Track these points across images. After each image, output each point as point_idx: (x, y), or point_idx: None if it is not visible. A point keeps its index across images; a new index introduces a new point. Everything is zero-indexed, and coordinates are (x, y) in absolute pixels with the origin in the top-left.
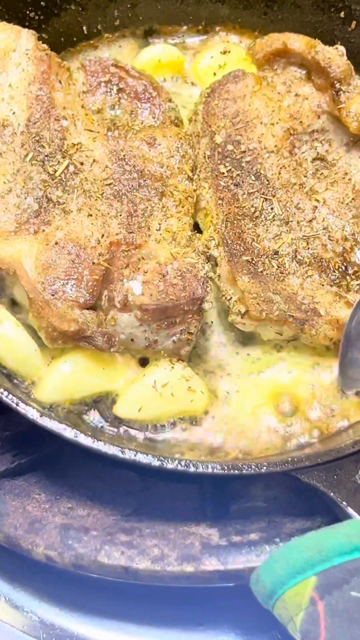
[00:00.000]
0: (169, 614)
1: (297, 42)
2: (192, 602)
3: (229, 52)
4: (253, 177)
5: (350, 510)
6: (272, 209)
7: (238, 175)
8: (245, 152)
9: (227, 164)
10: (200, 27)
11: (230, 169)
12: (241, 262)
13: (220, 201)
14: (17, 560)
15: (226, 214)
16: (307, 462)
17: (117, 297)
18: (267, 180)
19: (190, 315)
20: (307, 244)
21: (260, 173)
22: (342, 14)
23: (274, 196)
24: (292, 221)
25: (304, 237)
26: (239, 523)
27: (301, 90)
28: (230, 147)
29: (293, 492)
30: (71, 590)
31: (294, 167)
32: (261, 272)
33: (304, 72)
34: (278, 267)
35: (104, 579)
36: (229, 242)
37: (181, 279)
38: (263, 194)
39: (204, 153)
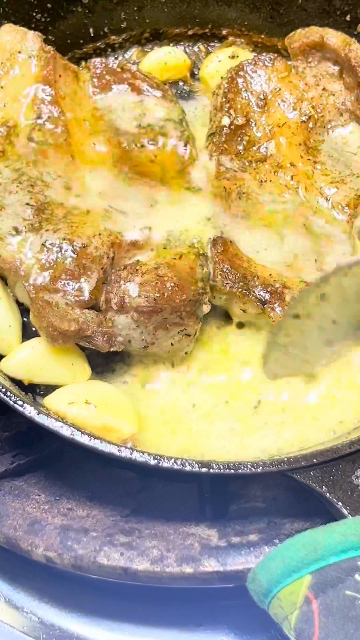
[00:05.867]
0: (169, 614)
1: (334, 37)
2: (192, 602)
3: (237, 56)
4: (258, 156)
5: (345, 511)
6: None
7: (246, 153)
8: (258, 132)
9: (236, 141)
10: (207, 30)
11: (238, 146)
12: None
13: (219, 175)
14: (17, 561)
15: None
16: (304, 462)
17: (114, 299)
18: (275, 163)
19: (188, 318)
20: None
21: (268, 154)
22: (347, 17)
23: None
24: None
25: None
26: (238, 524)
27: (330, 86)
28: (243, 125)
29: (292, 493)
30: (71, 590)
31: (303, 154)
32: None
33: (337, 69)
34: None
35: (104, 580)
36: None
37: (178, 280)
38: (264, 173)
39: (217, 127)
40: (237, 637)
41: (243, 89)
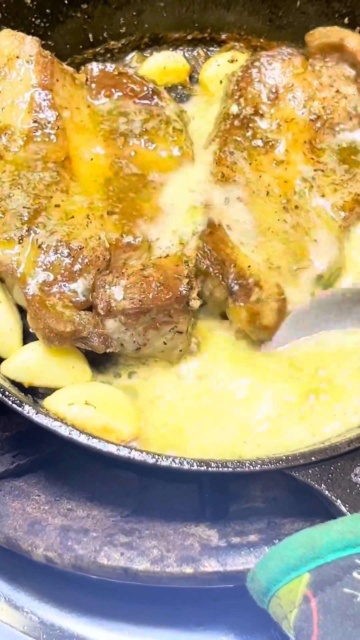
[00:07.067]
0: (169, 614)
1: (353, 41)
2: (192, 603)
3: (236, 60)
4: (261, 148)
5: (344, 508)
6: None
7: (249, 143)
8: (264, 124)
9: (242, 129)
10: (206, 35)
11: (243, 135)
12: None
13: (220, 161)
14: (18, 561)
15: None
16: (302, 460)
17: (100, 304)
18: (277, 158)
19: (177, 315)
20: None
21: (271, 148)
22: (346, 20)
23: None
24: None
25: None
26: (238, 524)
27: (344, 88)
28: (251, 116)
29: (292, 493)
30: (71, 590)
31: (307, 152)
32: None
33: (354, 72)
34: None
35: (104, 580)
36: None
37: (164, 280)
38: (265, 166)
39: (224, 114)
40: (237, 637)
41: (256, 80)
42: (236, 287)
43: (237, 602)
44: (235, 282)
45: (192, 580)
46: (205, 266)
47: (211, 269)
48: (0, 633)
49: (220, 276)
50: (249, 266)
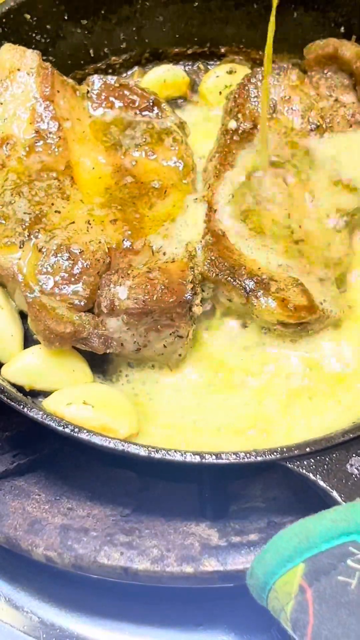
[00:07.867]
0: (169, 614)
1: (348, 50)
2: (192, 602)
3: (235, 72)
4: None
5: (340, 499)
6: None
7: (247, 156)
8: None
9: (241, 144)
10: (205, 49)
11: (242, 149)
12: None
13: (220, 167)
14: (18, 560)
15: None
16: (297, 452)
17: (104, 302)
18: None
19: (179, 319)
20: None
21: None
22: (342, 29)
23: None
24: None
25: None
26: (239, 523)
27: (342, 97)
28: (250, 130)
29: (292, 492)
30: (71, 590)
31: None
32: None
33: (352, 81)
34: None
35: (104, 580)
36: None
37: (169, 283)
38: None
39: (224, 130)
40: (237, 637)
41: (253, 95)
42: (252, 284)
43: (237, 602)
44: (250, 279)
45: (192, 580)
46: (214, 274)
47: (221, 276)
48: (0, 633)
49: (232, 280)
50: (259, 268)
